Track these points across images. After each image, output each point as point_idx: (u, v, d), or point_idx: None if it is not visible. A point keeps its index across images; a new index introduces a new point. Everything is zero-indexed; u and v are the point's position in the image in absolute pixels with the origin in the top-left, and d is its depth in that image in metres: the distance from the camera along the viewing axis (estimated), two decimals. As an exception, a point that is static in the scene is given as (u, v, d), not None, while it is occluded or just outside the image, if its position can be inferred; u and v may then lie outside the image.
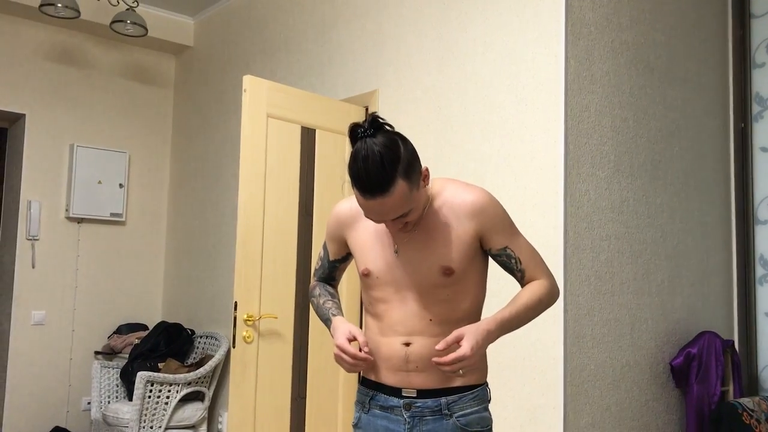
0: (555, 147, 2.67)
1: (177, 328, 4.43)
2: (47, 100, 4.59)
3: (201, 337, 4.44)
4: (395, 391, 1.72)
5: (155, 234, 5.00)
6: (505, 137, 2.85)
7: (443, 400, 1.69)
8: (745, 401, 2.91)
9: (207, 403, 4.09)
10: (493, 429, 1.79)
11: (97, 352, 4.60)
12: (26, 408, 4.38)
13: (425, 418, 1.70)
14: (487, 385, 1.78)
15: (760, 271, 3.35)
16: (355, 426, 1.80)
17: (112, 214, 4.75)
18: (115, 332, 4.68)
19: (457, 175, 2.91)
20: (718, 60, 3.44)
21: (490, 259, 1.78)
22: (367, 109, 3.52)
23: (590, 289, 2.71)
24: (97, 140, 4.77)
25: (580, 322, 2.65)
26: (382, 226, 1.75)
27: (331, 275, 1.98)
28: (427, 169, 1.65)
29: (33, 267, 4.47)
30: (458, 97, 3.05)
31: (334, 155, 3.44)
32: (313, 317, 3.33)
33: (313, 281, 2.03)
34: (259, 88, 3.14)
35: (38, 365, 4.45)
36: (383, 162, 1.51)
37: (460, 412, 1.69)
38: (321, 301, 1.92)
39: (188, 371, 4.03)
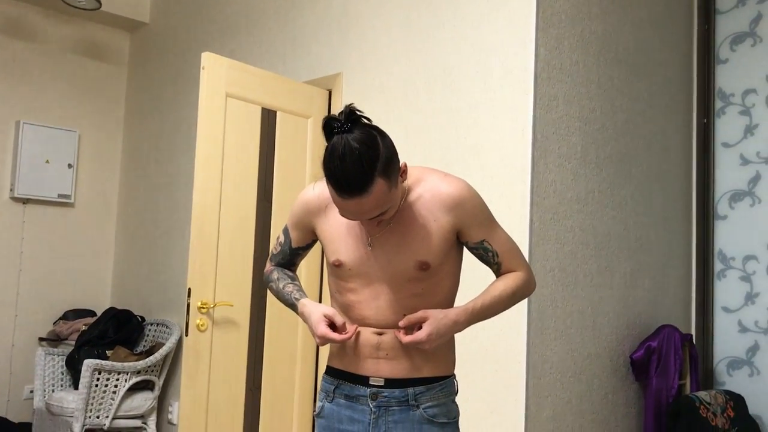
0: (523, 136, 2.62)
1: (126, 314, 4.27)
2: (-8, 73, 4.37)
3: (151, 324, 4.29)
4: (362, 380, 1.68)
5: (105, 217, 4.82)
6: (472, 125, 2.80)
7: (410, 390, 1.65)
8: (702, 394, 2.93)
9: (157, 392, 3.96)
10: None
11: (41, 339, 4.41)
12: (-36, 396, 4.18)
13: (391, 408, 1.66)
14: (455, 377, 1.75)
15: (718, 266, 3.37)
16: (317, 415, 1.75)
17: (60, 195, 4.55)
18: (61, 318, 4.50)
19: (422, 164, 2.84)
20: (683, 54, 3.44)
21: (465, 249, 1.74)
22: (330, 93, 3.43)
23: (554, 281, 2.67)
24: (45, 118, 4.55)
25: (543, 314, 2.61)
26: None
27: (291, 261, 1.91)
28: (405, 165, 1.58)
29: (-26, 249, 4.26)
30: (425, 84, 2.98)
31: (296, 138, 3.34)
32: (270, 306, 3.23)
33: (269, 266, 1.94)
34: (218, 66, 3.01)
35: (-22, 352, 4.25)
36: (361, 161, 1.42)
37: (427, 404, 1.66)
38: (281, 285, 1.85)
39: (138, 359, 3.89)
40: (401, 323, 1.60)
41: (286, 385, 3.28)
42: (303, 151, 3.37)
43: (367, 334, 1.67)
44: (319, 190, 1.74)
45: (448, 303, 1.72)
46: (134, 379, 3.82)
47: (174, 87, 4.46)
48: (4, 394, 4.32)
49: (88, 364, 3.67)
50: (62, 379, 4.13)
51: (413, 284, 1.64)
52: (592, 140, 2.87)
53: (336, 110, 3.37)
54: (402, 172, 1.56)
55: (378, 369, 1.66)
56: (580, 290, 2.79)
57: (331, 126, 1.48)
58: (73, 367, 4.00)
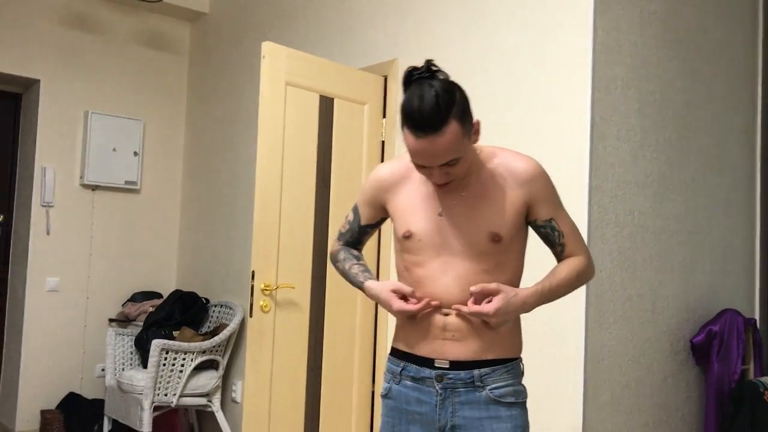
0: (581, 119, 2.61)
1: (192, 296, 4.42)
2: (62, 66, 4.55)
3: (215, 306, 4.44)
4: (427, 362, 1.69)
5: (170, 202, 4.98)
6: (529, 108, 2.80)
7: (476, 372, 1.66)
8: (767, 380, 2.88)
9: (221, 371, 4.10)
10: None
11: (111, 320, 4.62)
12: (41, 374, 4.40)
13: (457, 390, 1.67)
14: (521, 360, 1.75)
15: (783, 249, 3.29)
16: (385, 396, 1.78)
17: (126, 182, 4.73)
18: (129, 300, 4.69)
19: (478, 147, 2.85)
20: (747, 33, 3.35)
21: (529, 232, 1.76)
22: (386, 79, 3.46)
23: (613, 265, 2.67)
24: (111, 107, 4.73)
25: (602, 298, 2.61)
26: (429, 190, 1.71)
27: (358, 239, 1.94)
28: (478, 123, 1.62)
29: (48, 234, 4.47)
30: (482, 67, 2.99)
31: (352, 125, 3.39)
32: (330, 288, 3.31)
33: (336, 245, 1.97)
34: (277, 55, 3.08)
35: (52, 332, 4.46)
36: (438, 101, 1.49)
37: (494, 385, 1.67)
38: (347, 266, 1.89)
39: (203, 340, 4.03)
40: (473, 289, 1.59)
41: (346, 365, 3.36)
42: (359, 137, 3.42)
43: (434, 315, 1.67)
44: (391, 166, 1.80)
45: (515, 285, 1.72)
46: (200, 359, 3.96)
47: (233, 76, 4.56)
48: (77, 371, 4.54)
49: (156, 344, 3.83)
50: (131, 359, 4.31)
51: (483, 258, 1.65)
52: (652, 122, 2.83)
53: (391, 97, 3.41)
54: (476, 130, 1.60)
55: (444, 351, 1.67)
56: (640, 273, 2.78)
57: (411, 75, 1.55)
58: (141, 347, 4.17)
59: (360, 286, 1.83)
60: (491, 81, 2.94)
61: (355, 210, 1.90)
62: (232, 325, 4.08)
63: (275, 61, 3.07)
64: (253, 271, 3.01)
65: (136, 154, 4.77)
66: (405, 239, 1.72)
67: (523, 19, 2.84)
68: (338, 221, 3.32)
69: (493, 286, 1.60)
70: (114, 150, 4.67)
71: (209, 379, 4.05)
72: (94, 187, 4.65)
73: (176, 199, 5.02)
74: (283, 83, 3.09)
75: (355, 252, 1.94)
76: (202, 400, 4.04)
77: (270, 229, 3.06)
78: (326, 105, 3.33)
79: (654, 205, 2.83)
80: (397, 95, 3.38)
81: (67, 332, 4.52)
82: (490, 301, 1.60)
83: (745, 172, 3.31)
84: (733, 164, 3.24)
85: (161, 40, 4.97)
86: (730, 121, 3.24)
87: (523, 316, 1.75)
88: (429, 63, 1.56)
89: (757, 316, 3.28)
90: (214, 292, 4.54)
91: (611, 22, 2.67)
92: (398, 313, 1.69)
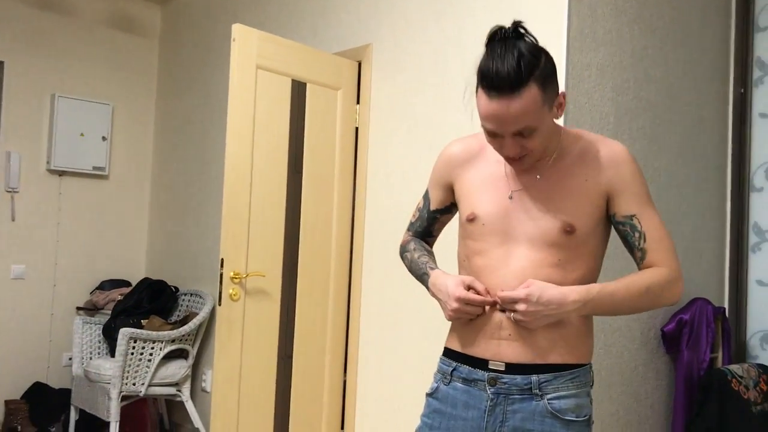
0: (555, 106, 2.59)
1: (161, 285, 4.35)
2: (27, 47, 4.42)
3: (185, 294, 4.37)
4: (481, 363, 1.51)
5: (139, 189, 4.89)
6: (503, 95, 2.77)
7: (534, 378, 1.47)
8: (734, 368, 2.91)
9: (191, 361, 4.05)
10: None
11: (79, 308, 4.53)
12: (6, 363, 4.31)
13: (512, 396, 1.48)
14: (591, 367, 1.55)
15: (753, 238, 3.32)
16: (430, 395, 1.61)
17: (94, 168, 4.62)
18: (97, 288, 4.60)
19: (455, 135, 2.83)
20: (720, 23, 3.35)
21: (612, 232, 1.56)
22: (360, 64, 3.41)
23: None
24: (79, 91, 4.62)
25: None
26: (501, 171, 1.54)
27: (428, 229, 1.76)
28: (564, 96, 1.46)
29: (12, 220, 4.36)
30: (457, 53, 2.96)
31: (326, 111, 3.34)
32: (302, 276, 3.27)
33: (406, 236, 1.81)
34: (248, 38, 3.02)
35: (18, 320, 4.37)
36: (520, 60, 1.35)
37: (554, 394, 1.47)
38: (416, 256, 1.70)
39: (172, 328, 3.97)
40: (501, 294, 1.43)
41: (318, 354, 3.33)
42: (333, 122, 3.37)
43: (490, 311, 1.50)
44: (464, 142, 1.65)
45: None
46: (169, 348, 3.90)
47: (205, 59, 4.48)
48: (44, 361, 4.45)
49: (124, 332, 3.76)
50: (99, 347, 4.23)
51: (552, 251, 1.46)
52: (626, 111, 2.83)
53: (365, 82, 3.36)
54: (559, 104, 1.45)
55: (499, 352, 1.49)
56: (611, 262, 2.76)
57: (495, 34, 1.42)
58: (109, 335, 4.10)
59: (425, 274, 1.63)
60: (466, 66, 2.91)
61: (426, 195, 1.74)
62: (202, 314, 4.02)
63: (246, 44, 3.01)
64: (222, 259, 2.96)
65: (104, 139, 4.67)
66: (468, 223, 1.55)
67: (498, 5, 2.81)
68: (310, 209, 3.28)
69: (520, 290, 1.42)
70: (82, 135, 4.57)
71: (179, 369, 3.99)
72: (61, 173, 4.54)
73: (146, 186, 4.92)
74: (254, 67, 3.03)
75: (427, 246, 1.76)
76: (172, 390, 3.98)
77: (239, 216, 3.01)
78: (299, 90, 3.28)
79: (627, 194, 2.83)
80: (370, 81, 3.33)
81: (33, 321, 4.42)
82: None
83: (716, 161, 3.33)
84: (704, 154, 3.25)
85: (131, 23, 4.87)
86: (703, 110, 3.24)
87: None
88: (517, 24, 1.42)
89: (726, 305, 3.30)
90: (184, 281, 4.47)
91: (586, 9, 2.65)
92: (456, 303, 1.48)
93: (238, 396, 3.03)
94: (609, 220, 1.52)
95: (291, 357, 3.28)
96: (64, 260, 4.55)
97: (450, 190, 1.66)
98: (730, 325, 3.19)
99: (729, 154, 3.38)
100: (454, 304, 1.49)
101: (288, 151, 3.21)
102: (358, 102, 3.42)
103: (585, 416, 1.50)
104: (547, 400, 1.46)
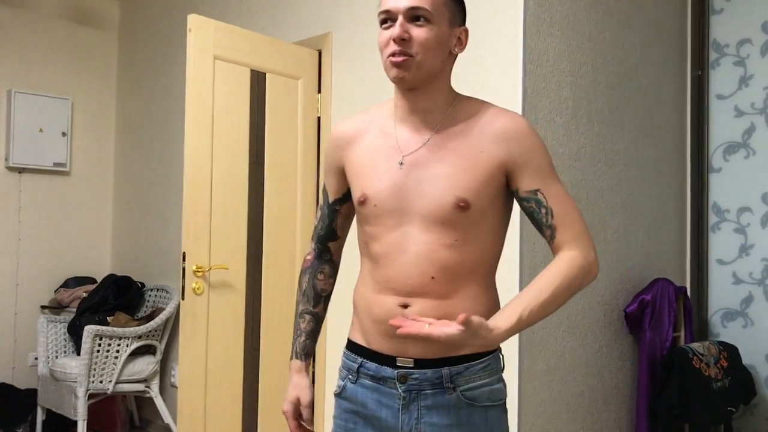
0: (513, 92, 2.60)
1: (126, 280, 4.30)
2: (-19, 42, 4.33)
3: (151, 289, 4.32)
4: (389, 360, 1.43)
5: (102, 184, 4.82)
6: (462, 81, 2.75)
7: (445, 371, 1.40)
8: (696, 346, 2.96)
9: (159, 356, 4.01)
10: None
11: (43, 307, 4.46)
12: (-30, 364, 4.24)
13: (424, 392, 1.42)
14: (500, 351, 1.49)
15: (713, 218, 3.37)
16: (338, 395, 1.53)
17: (55, 164, 4.54)
18: (62, 286, 4.53)
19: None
20: (677, 6, 3.39)
21: (515, 205, 1.47)
22: (320, 53, 3.39)
23: (546, 237, 2.67)
24: (37, 86, 4.52)
25: (536, 269, 2.62)
26: (390, 143, 1.44)
27: (331, 228, 1.63)
28: (467, 34, 1.44)
29: (-29, 219, 4.27)
30: (414, 40, 2.94)
31: (286, 100, 3.32)
32: (267, 268, 3.25)
33: (308, 254, 1.68)
34: (205, 28, 2.98)
35: (-19, 321, 4.29)
36: None
37: (466, 385, 1.41)
38: (299, 309, 1.63)
39: (138, 324, 3.93)
40: (459, 319, 1.20)
41: (285, 345, 3.31)
42: (294, 112, 3.35)
43: (391, 305, 1.41)
44: (346, 122, 1.56)
45: (487, 267, 1.44)
46: (135, 344, 3.86)
47: (164, 51, 4.42)
48: (9, 361, 4.38)
49: (89, 330, 3.71)
50: (65, 346, 4.18)
51: (447, 230, 1.37)
52: (584, 94, 2.84)
53: (326, 71, 3.33)
54: (460, 37, 1.43)
55: (405, 348, 1.41)
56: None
57: None
58: (75, 333, 4.04)
59: (291, 353, 1.61)
60: (424, 54, 2.90)
61: (323, 189, 1.62)
62: (169, 309, 3.98)
63: (202, 35, 2.97)
64: (184, 253, 2.93)
65: (64, 134, 4.58)
66: (360, 206, 1.45)
67: (455, -9, 2.80)
68: (273, 199, 3.26)
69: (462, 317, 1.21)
70: (41, 131, 4.48)
71: (146, 365, 3.95)
72: (21, 170, 4.45)
73: (108, 181, 4.85)
74: (211, 57, 2.99)
75: (321, 282, 1.64)
76: (140, 386, 3.94)
77: (200, 209, 2.98)
78: (258, 80, 3.25)
79: (586, 177, 2.85)
80: (331, 70, 3.31)
81: (-4, 321, 4.35)
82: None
83: (675, 143, 3.36)
84: (663, 135, 3.29)
85: (89, 15, 4.77)
86: (661, 92, 3.28)
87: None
88: None
89: (687, 285, 3.35)
90: (150, 276, 4.42)
91: (542, -6, 2.66)
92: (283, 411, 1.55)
93: (204, 390, 3.01)
94: (510, 195, 1.44)
95: (258, 350, 3.26)
96: (27, 259, 4.48)
97: (343, 174, 1.55)
98: (692, 304, 3.24)
99: (688, 135, 3.42)
100: (284, 406, 1.56)
101: (249, 142, 3.18)
102: (319, 91, 3.40)
103: (500, 400, 1.46)
104: (460, 391, 1.41)
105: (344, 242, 1.68)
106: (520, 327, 1.30)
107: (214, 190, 3.02)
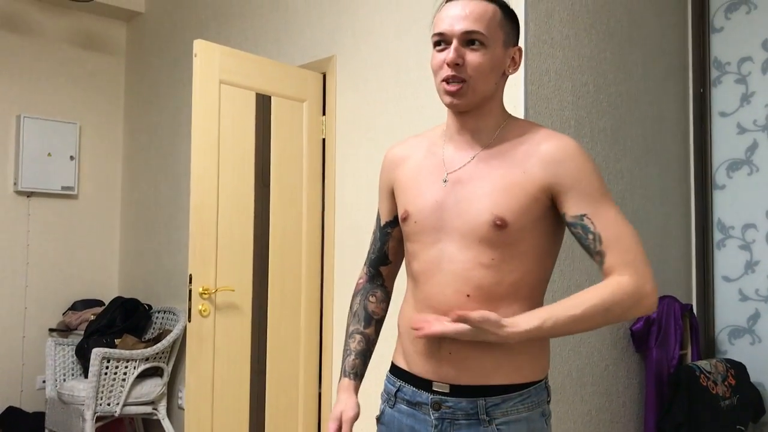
0: (514, 112, 2.60)
1: (133, 303, 4.32)
2: (-10, 68, 4.39)
3: (158, 312, 4.34)
4: (425, 384, 1.40)
5: (109, 207, 4.86)
6: (464, 102, 2.79)
7: (481, 401, 1.35)
8: (703, 364, 2.95)
9: (166, 378, 4.01)
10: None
11: (51, 330, 4.48)
12: (-22, 388, 4.25)
13: (458, 422, 1.36)
14: (546, 383, 1.42)
15: (717, 235, 3.37)
16: (378, 420, 1.53)
17: (63, 188, 4.59)
18: (69, 309, 4.56)
19: (416, 142, 2.84)
20: (677, 24, 3.42)
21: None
22: (324, 76, 3.43)
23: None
24: (45, 111, 4.58)
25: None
26: (437, 161, 1.44)
27: (383, 251, 1.61)
28: (521, 53, 1.44)
29: (-20, 243, 4.31)
30: (417, 63, 2.98)
31: (291, 123, 3.35)
32: (273, 289, 3.27)
33: (361, 276, 1.67)
34: (210, 53, 3.02)
35: (-11, 344, 4.31)
36: None
37: (503, 419, 1.35)
38: (350, 330, 1.60)
39: (145, 347, 3.94)
40: (456, 314, 1.26)
41: (291, 366, 3.32)
42: (299, 135, 3.38)
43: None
44: (399, 145, 1.58)
45: (529, 290, 1.38)
46: (143, 366, 3.87)
47: (171, 75, 4.47)
48: (17, 384, 4.39)
49: (97, 352, 3.72)
50: (73, 369, 4.19)
51: (484, 248, 1.34)
52: (586, 114, 2.87)
53: (330, 94, 3.37)
54: (514, 57, 1.43)
55: (441, 372, 1.37)
56: (578, 264, 2.80)
57: None
58: (82, 356, 4.06)
59: (342, 372, 1.58)
60: (427, 76, 2.93)
61: (377, 214, 1.63)
62: (176, 331, 4.00)
63: (208, 59, 3.01)
64: (190, 275, 2.95)
65: (72, 158, 4.63)
66: (403, 223, 1.44)
67: (457, 14, 2.84)
68: (279, 221, 3.29)
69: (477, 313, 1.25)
70: (49, 155, 4.53)
71: (154, 387, 3.96)
72: (30, 194, 4.50)
73: (116, 204, 4.89)
74: (216, 81, 3.03)
75: (373, 304, 1.61)
76: (148, 408, 3.95)
77: (207, 232, 3.00)
78: (263, 103, 3.28)
79: (590, 196, 2.86)
80: (335, 92, 3.35)
81: (4, 344, 4.36)
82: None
83: (678, 160, 3.38)
84: (666, 153, 3.30)
85: (96, 41, 4.84)
86: (664, 110, 3.30)
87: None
88: None
89: (694, 302, 3.35)
90: (157, 298, 4.44)
91: (542, 15, 2.69)
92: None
93: (211, 412, 3.01)
94: (560, 218, 1.38)
95: (264, 371, 3.27)
96: (35, 282, 4.51)
97: (393, 196, 1.55)
98: (698, 322, 3.24)
99: (691, 153, 3.43)
100: (329, 425, 1.52)
101: (255, 165, 3.21)
102: (324, 113, 3.43)
103: None
104: (496, 425, 1.34)
105: (397, 270, 1.64)
106: (540, 333, 1.27)
107: (220, 213, 3.05)
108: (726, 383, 2.95)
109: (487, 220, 1.33)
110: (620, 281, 1.29)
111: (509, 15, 1.43)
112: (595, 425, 2.85)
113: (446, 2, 1.40)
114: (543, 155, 1.35)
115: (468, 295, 1.34)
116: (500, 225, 1.32)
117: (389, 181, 1.56)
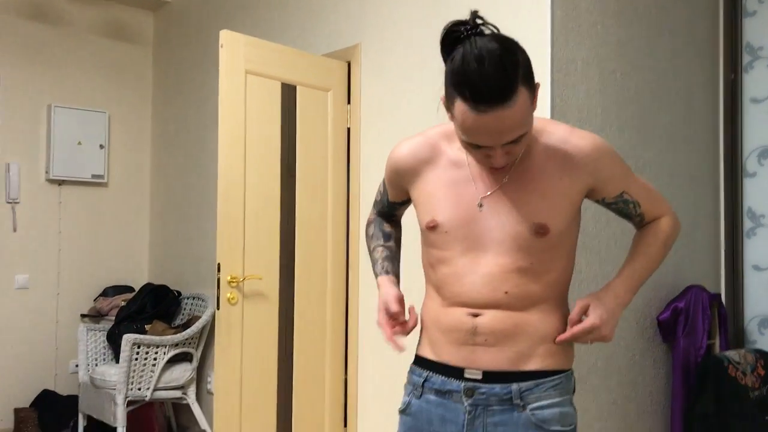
0: (541, 101, 2.60)
1: (163, 289, 4.39)
2: (22, 59, 4.46)
3: (188, 298, 4.41)
4: (456, 372, 1.41)
5: (139, 195, 4.93)
6: (490, 91, 2.78)
7: (515, 386, 1.37)
8: (731, 354, 2.92)
9: (195, 364, 4.08)
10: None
11: (83, 315, 4.57)
12: (14, 372, 4.36)
13: (491, 407, 1.38)
14: (572, 373, 1.46)
15: (747, 224, 3.32)
16: (402, 412, 1.51)
17: (93, 176, 4.66)
18: (101, 295, 4.65)
19: (441, 131, 2.84)
20: (708, 9, 3.35)
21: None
22: (349, 65, 3.43)
23: (578, 247, 2.67)
24: (75, 100, 4.65)
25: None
26: (459, 175, 1.42)
27: (390, 213, 1.71)
28: (539, 86, 1.31)
29: (14, 230, 4.41)
30: (442, 51, 2.96)
31: (317, 112, 3.36)
32: (300, 277, 3.30)
33: (371, 214, 1.75)
34: (236, 43, 3.04)
35: (24, 329, 4.42)
36: (503, 63, 1.18)
37: (537, 404, 1.37)
38: (372, 246, 1.65)
39: (175, 332, 4.01)
40: (573, 316, 1.38)
41: (318, 353, 3.36)
42: (324, 124, 3.39)
43: (461, 316, 1.39)
44: (411, 147, 1.51)
45: (561, 288, 1.45)
46: (172, 352, 3.94)
47: (198, 65, 4.50)
48: (51, 368, 4.50)
49: (128, 338, 3.80)
50: (104, 354, 4.28)
51: (522, 254, 1.37)
52: (613, 102, 2.83)
53: (355, 82, 3.38)
54: (535, 96, 1.30)
55: (475, 359, 1.38)
56: (605, 254, 2.79)
57: (455, 31, 1.26)
58: (113, 341, 4.14)
59: (376, 275, 1.60)
60: (452, 64, 2.92)
61: (383, 184, 1.65)
62: (205, 317, 4.06)
63: (234, 50, 3.03)
64: (218, 263, 2.99)
65: (102, 147, 4.70)
66: (429, 230, 1.44)
67: (482, 2, 2.82)
68: (305, 210, 3.31)
69: (578, 307, 1.40)
70: (79, 143, 4.60)
71: (183, 372, 4.03)
72: (61, 182, 4.58)
73: (145, 192, 4.96)
74: (242, 72, 3.05)
75: (388, 228, 1.68)
76: (177, 393, 4.02)
77: (234, 221, 3.04)
78: (288, 93, 3.30)
79: (617, 185, 2.84)
80: (360, 81, 3.35)
81: (38, 329, 4.47)
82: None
83: (708, 148, 3.33)
84: (696, 141, 3.26)
85: (124, 31, 4.89)
86: (693, 97, 3.25)
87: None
88: (475, 15, 1.25)
89: (722, 291, 3.31)
90: (186, 285, 4.51)
91: (569, 3, 2.66)
92: (378, 315, 1.50)
93: (240, 398, 3.06)
94: (579, 213, 1.47)
95: (291, 357, 3.31)
96: (67, 268, 4.60)
97: (405, 191, 1.56)
98: (727, 311, 3.20)
99: (721, 140, 3.38)
100: (378, 318, 1.49)
101: (280, 154, 3.24)
102: (348, 102, 3.44)
103: (570, 425, 1.41)
104: (530, 410, 1.36)
105: (401, 217, 1.76)
106: (633, 289, 1.47)
107: (247, 202, 3.08)
108: (755, 374, 2.92)
109: (528, 228, 1.37)
110: (665, 223, 1.53)
111: (528, 71, 1.27)
112: (621, 415, 2.84)
113: (469, 110, 1.23)
114: (577, 158, 1.39)
115: (506, 292, 1.38)
116: (542, 233, 1.37)
117: (400, 182, 1.55)
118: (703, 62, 3.31)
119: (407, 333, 1.47)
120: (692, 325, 2.97)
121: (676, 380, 2.94)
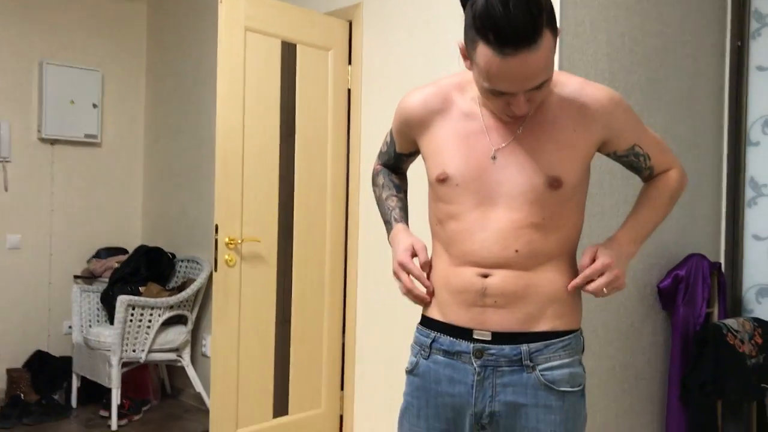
0: (548, 63, 2.55)
1: (157, 251, 4.35)
2: (12, 14, 4.34)
3: (182, 260, 4.37)
4: (465, 333, 1.39)
5: (132, 156, 4.85)
6: (496, 53, 2.72)
7: (524, 347, 1.36)
8: (730, 322, 2.92)
9: (190, 326, 4.07)
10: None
11: (76, 276, 4.53)
12: (6, 332, 4.33)
13: (500, 368, 1.37)
14: (581, 333, 1.45)
15: (749, 193, 3.31)
16: (410, 372, 1.49)
17: (86, 135, 4.58)
18: (94, 256, 4.60)
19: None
20: (717, -27, 3.29)
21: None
22: (351, 24, 3.36)
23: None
24: (67, 58, 4.55)
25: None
26: (472, 127, 1.39)
27: (397, 165, 1.67)
28: (560, 31, 1.31)
29: (6, 190, 4.34)
30: (447, 11, 2.90)
31: (317, 72, 3.30)
32: (298, 240, 3.26)
33: (376, 165, 1.70)
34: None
35: (16, 290, 4.37)
36: (529, 5, 1.14)
37: (546, 364, 1.37)
38: (384, 195, 1.62)
39: (170, 295, 3.98)
40: (583, 262, 1.37)
41: (315, 316, 3.34)
42: (324, 84, 3.33)
43: (470, 277, 1.37)
44: (422, 97, 1.46)
45: (571, 245, 1.43)
46: (167, 314, 3.92)
47: (194, 22, 4.40)
48: (44, 329, 4.47)
49: (122, 300, 3.77)
50: (98, 315, 4.25)
51: (535, 208, 1.34)
52: (621, 66, 2.79)
53: (357, 43, 3.30)
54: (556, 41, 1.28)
55: (484, 320, 1.37)
56: (607, 220, 2.77)
57: None
58: (108, 303, 4.11)
59: (388, 225, 1.57)
60: (457, 24, 2.86)
61: (391, 134, 1.61)
62: (200, 280, 4.03)
63: (233, 6, 2.95)
64: (216, 225, 2.94)
65: (95, 106, 4.61)
66: (439, 183, 1.40)
67: (490, -40, 2.75)
68: (304, 172, 3.27)
69: (587, 254, 1.38)
70: (72, 102, 4.51)
71: (178, 334, 4.01)
72: (53, 141, 4.50)
73: (139, 152, 4.89)
74: (242, 28, 2.97)
75: (396, 180, 1.66)
76: (172, 355, 4.01)
77: (233, 182, 2.99)
78: (289, 51, 3.23)
79: (622, 151, 2.80)
80: (362, 41, 3.28)
81: (31, 290, 4.43)
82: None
83: (712, 116, 3.29)
84: (700, 108, 3.22)
85: (117, -14, 4.77)
86: (699, 64, 3.20)
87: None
88: None
89: (722, 260, 3.31)
90: (180, 247, 4.47)
91: (580, -38, 2.59)
92: (396, 265, 1.44)
93: (237, 361, 3.05)
94: (589, 167, 1.45)
95: (289, 320, 3.29)
96: (60, 229, 4.54)
97: (413, 142, 1.52)
98: (726, 280, 3.20)
99: (725, 108, 3.34)
100: (395, 266, 1.45)
101: (279, 114, 3.18)
102: (350, 63, 3.37)
103: (579, 386, 1.41)
104: (539, 371, 1.36)
105: (407, 169, 1.73)
106: (640, 240, 1.47)
107: (245, 163, 3.02)
108: (753, 342, 2.93)
109: (542, 181, 1.34)
110: (673, 176, 1.52)
111: (551, 13, 1.23)
112: (619, 381, 2.85)
113: (494, 54, 1.19)
114: (592, 110, 1.37)
115: (516, 251, 1.36)
116: (555, 186, 1.34)
117: (409, 132, 1.51)
118: (710, 29, 3.26)
119: (431, 294, 1.46)
120: (692, 294, 2.96)
121: (675, 347, 2.94)
